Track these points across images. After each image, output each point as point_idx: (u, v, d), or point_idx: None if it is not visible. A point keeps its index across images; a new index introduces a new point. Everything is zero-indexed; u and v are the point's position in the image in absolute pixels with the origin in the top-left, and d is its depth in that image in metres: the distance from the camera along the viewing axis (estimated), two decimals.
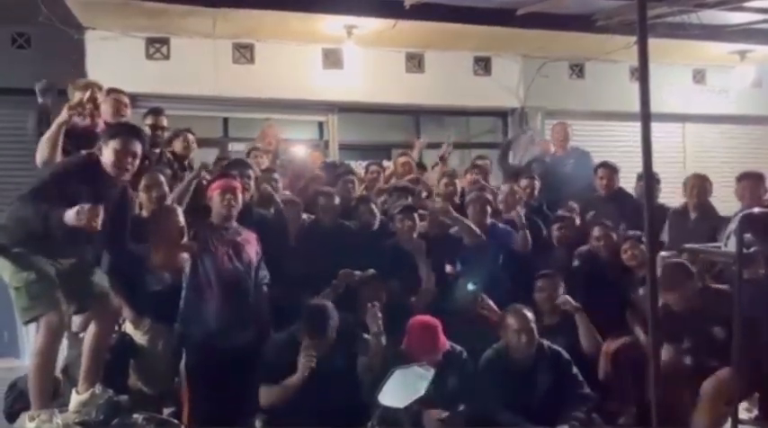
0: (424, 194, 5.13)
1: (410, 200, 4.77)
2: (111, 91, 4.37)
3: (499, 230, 4.66)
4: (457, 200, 5.10)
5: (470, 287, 4.19)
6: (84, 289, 3.13)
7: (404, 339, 3.65)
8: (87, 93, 3.71)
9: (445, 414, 3.42)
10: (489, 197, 4.81)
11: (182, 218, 3.64)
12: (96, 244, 3.22)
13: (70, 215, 2.77)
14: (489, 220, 4.68)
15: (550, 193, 5.62)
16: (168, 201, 3.83)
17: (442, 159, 5.87)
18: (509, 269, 4.51)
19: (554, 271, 4.38)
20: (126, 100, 4.42)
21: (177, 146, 4.79)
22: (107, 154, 3.09)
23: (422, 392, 2.65)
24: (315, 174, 5.27)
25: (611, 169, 5.40)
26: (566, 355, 3.76)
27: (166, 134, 4.86)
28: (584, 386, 3.71)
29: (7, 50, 6.47)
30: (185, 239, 3.64)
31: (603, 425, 3.76)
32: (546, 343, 3.78)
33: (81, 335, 3.38)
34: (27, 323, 2.99)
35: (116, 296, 3.38)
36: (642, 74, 1.78)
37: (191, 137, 4.88)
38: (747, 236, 2.15)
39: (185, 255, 3.60)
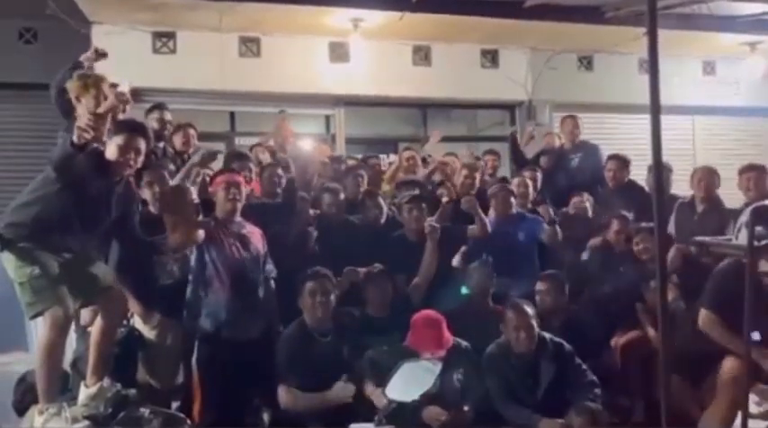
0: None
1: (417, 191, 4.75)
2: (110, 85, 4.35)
3: (529, 219, 4.69)
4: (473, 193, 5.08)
5: (464, 291, 4.19)
6: (89, 283, 3.13)
7: (408, 334, 3.65)
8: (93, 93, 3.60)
9: (445, 413, 3.41)
10: (513, 189, 4.83)
11: (195, 196, 3.65)
12: (102, 236, 3.23)
13: None
14: (516, 210, 4.71)
15: (557, 186, 5.59)
16: None
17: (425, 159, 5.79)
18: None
19: (556, 271, 4.34)
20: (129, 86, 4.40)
21: (177, 140, 4.79)
22: (111, 149, 3.08)
23: (429, 386, 2.64)
24: (321, 169, 5.25)
25: (620, 161, 5.34)
26: (567, 346, 3.75)
27: (171, 128, 4.85)
28: (588, 374, 3.69)
29: (14, 45, 6.49)
30: (200, 217, 3.65)
31: (612, 421, 3.73)
32: (548, 335, 3.76)
33: (89, 329, 3.39)
34: (32, 318, 3.00)
35: (124, 290, 3.39)
36: (652, 65, 1.75)
37: (191, 131, 4.87)
38: (759, 228, 2.13)
39: (201, 232, 3.61)
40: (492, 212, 4.70)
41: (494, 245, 4.42)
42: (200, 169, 3.84)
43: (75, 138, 2.80)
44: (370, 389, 3.46)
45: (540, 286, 4.20)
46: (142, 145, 3.16)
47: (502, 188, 4.80)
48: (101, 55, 3.93)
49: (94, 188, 3.03)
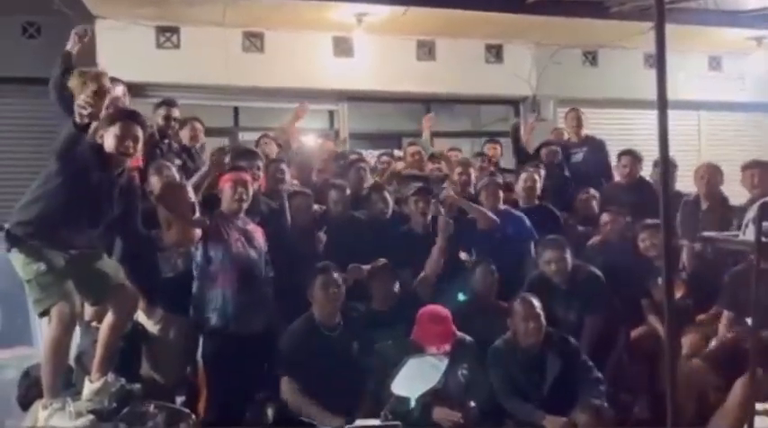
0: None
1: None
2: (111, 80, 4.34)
3: (514, 216, 4.65)
4: (471, 190, 5.08)
5: (461, 297, 4.19)
6: (100, 281, 3.12)
7: (413, 329, 3.65)
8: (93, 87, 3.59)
9: (458, 415, 3.41)
10: (501, 182, 4.81)
11: (192, 194, 3.63)
12: (107, 230, 3.22)
13: None
14: (503, 206, 4.67)
15: (559, 179, 5.57)
16: None
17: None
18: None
19: (557, 237, 4.32)
20: (125, 89, 4.40)
21: (184, 135, 4.78)
22: (108, 139, 3.07)
23: (435, 382, 2.64)
24: (324, 165, 5.24)
25: (634, 157, 5.29)
26: (573, 342, 3.76)
27: (176, 126, 4.84)
28: (593, 370, 3.70)
29: (18, 40, 6.49)
30: (197, 215, 3.63)
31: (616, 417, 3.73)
32: (553, 330, 3.77)
33: (93, 324, 3.40)
34: (41, 315, 2.99)
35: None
36: (659, 60, 1.74)
37: (198, 125, 4.87)
38: (766, 224, 2.11)
39: (198, 232, 3.59)
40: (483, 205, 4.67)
41: (488, 239, 4.44)
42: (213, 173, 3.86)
43: (76, 118, 2.81)
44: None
45: (545, 256, 4.18)
46: (139, 132, 3.15)
47: (491, 181, 4.77)
48: (82, 36, 3.93)
49: (96, 181, 3.03)
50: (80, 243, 3.06)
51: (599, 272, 4.24)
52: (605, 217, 4.74)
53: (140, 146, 3.20)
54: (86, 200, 3.02)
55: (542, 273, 4.21)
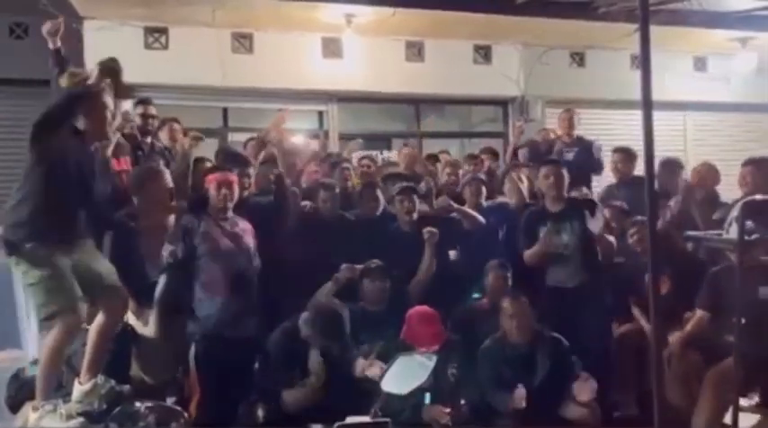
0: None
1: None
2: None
3: (492, 207, 4.76)
4: (458, 189, 5.11)
5: (476, 294, 4.24)
6: (94, 281, 3.09)
7: (403, 328, 3.67)
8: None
9: (447, 410, 3.43)
10: (483, 178, 4.94)
11: (169, 180, 3.61)
12: (87, 214, 3.17)
13: None
14: (485, 202, 4.78)
15: None
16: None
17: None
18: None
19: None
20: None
21: (163, 136, 4.78)
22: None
23: (423, 380, 2.66)
24: (312, 165, 5.24)
25: (627, 154, 5.29)
26: (564, 342, 3.79)
27: (155, 123, 4.83)
28: (581, 369, 3.73)
29: (5, 40, 6.45)
30: (173, 202, 3.62)
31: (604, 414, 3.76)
32: (543, 328, 3.81)
33: (84, 326, 3.38)
34: (45, 320, 2.96)
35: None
36: (644, 61, 1.76)
37: (176, 126, 4.87)
38: (749, 223, 2.15)
39: (172, 218, 3.58)
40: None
41: (471, 235, 4.52)
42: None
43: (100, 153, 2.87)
44: (361, 365, 3.50)
45: (544, 171, 4.34)
46: (111, 104, 3.15)
47: (474, 178, 4.87)
48: (53, 34, 3.91)
49: (76, 163, 2.99)
50: (73, 231, 3.03)
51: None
52: (608, 213, 4.73)
53: (118, 119, 3.23)
54: (72, 182, 2.98)
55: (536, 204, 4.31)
